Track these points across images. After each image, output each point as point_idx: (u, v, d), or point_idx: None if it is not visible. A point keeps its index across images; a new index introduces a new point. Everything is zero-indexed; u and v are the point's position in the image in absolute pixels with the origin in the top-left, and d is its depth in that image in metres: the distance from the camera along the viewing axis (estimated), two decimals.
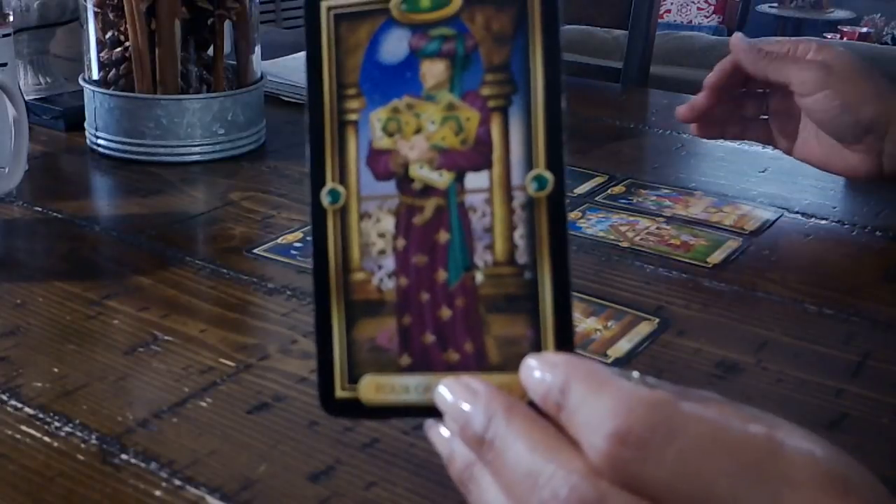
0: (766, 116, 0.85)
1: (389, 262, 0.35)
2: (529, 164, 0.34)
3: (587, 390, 0.31)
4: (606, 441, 0.30)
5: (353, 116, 0.36)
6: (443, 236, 0.35)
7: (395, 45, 0.35)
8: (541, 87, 0.34)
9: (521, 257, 0.34)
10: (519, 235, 0.34)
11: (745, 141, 0.88)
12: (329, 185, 0.36)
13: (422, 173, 0.35)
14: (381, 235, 0.36)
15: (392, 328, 0.35)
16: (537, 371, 0.33)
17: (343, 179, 0.36)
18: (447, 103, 0.35)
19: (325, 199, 0.36)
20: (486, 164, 0.34)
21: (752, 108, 0.85)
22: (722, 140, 0.89)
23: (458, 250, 0.35)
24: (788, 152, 0.84)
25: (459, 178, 0.35)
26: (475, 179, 0.34)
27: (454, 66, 0.35)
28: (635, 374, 0.33)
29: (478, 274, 0.35)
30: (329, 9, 0.36)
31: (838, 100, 0.76)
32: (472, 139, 0.35)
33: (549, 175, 0.33)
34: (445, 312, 0.35)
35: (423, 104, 0.35)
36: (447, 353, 0.35)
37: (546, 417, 0.33)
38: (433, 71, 0.35)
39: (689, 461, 0.30)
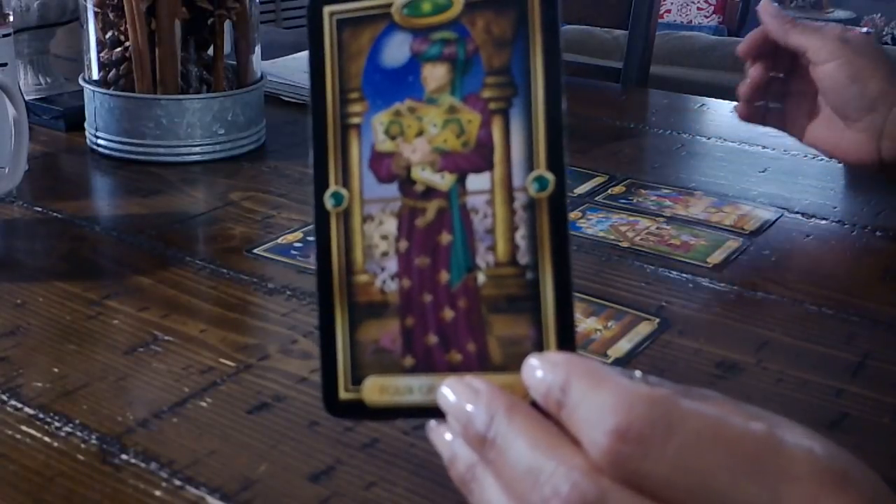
0: (780, 106, 0.87)
1: (392, 264, 0.36)
2: (530, 165, 0.34)
3: (587, 388, 0.31)
4: (607, 437, 0.30)
5: (355, 120, 0.36)
6: (445, 238, 0.35)
7: (396, 50, 0.36)
8: (541, 89, 0.34)
9: (523, 258, 0.34)
10: (520, 236, 0.34)
11: (765, 128, 0.89)
12: (332, 188, 0.36)
13: (424, 175, 0.35)
14: (384, 237, 0.36)
15: (395, 330, 0.36)
16: (539, 370, 0.33)
17: (346, 182, 0.36)
18: (448, 106, 0.35)
19: (329, 202, 0.36)
20: (487, 165, 0.35)
21: (773, 93, 0.87)
22: (723, 141, 0.89)
23: (461, 251, 0.35)
24: (800, 138, 0.86)
25: (461, 180, 0.35)
26: (477, 181, 0.35)
27: (455, 69, 0.35)
28: (637, 373, 0.33)
29: (480, 275, 0.35)
30: (332, 14, 0.36)
31: (849, 70, 0.79)
32: (473, 141, 0.35)
33: (549, 176, 0.34)
34: (448, 313, 0.35)
35: (425, 107, 0.35)
36: (450, 354, 0.35)
37: (548, 416, 0.33)
38: (434, 74, 0.35)
39: (689, 456, 0.30)
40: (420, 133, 0.35)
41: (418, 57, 0.35)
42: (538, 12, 0.34)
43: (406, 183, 0.36)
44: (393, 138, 0.36)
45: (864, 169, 0.84)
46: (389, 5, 0.36)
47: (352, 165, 0.36)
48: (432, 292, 0.35)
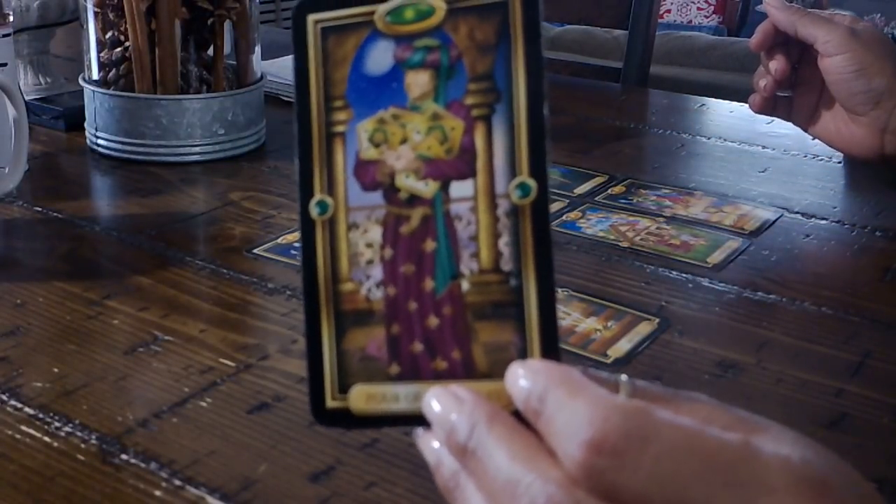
0: (789, 94, 0.87)
1: (377, 272, 0.36)
2: (513, 171, 0.34)
3: (564, 398, 0.31)
4: (581, 450, 0.30)
5: (340, 128, 0.36)
6: (429, 245, 0.35)
7: (380, 57, 0.36)
8: (523, 96, 0.34)
9: (506, 264, 0.34)
10: (504, 243, 0.34)
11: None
12: (317, 196, 0.36)
13: (408, 183, 0.35)
14: (369, 245, 0.36)
15: (381, 337, 0.35)
16: (521, 378, 0.33)
17: (331, 190, 0.36)
18: (432, 113, 0.35)
19: (314, 211, 0.36)
20: (470, 172, 0.34)
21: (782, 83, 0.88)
22: (723, 141, 0.89)
23: (445, 259, 0.35)
24: (805, 128, 0.87)
25: (445, 188, 0.35)
26: (460, 188, 0.34)
27: (438, 76, 0.35)
28: (623, 377, 0.33)
29: (464, 282, 0.35)
30: (316, 22, 0.36)
31: (856, 64, 0.79)
32: (456, 148, 0.35)
33: (532, 182, 0.33)
34: (433, 321, 0.35)
35: (409, 114, 0.35)
36: (435, 362, 0.35)
37: (529, 426, 0.33)
38: (418, 81, 0.35)
39: (665, 468, 0.30)
40: (404, 140, 0.35)
41: (402, 64, 0.35)
42: (520, 18, 0.34)
43: (390, 190, 0.35)
44: (377, 146, 0.35)
45: (867, 162, 0.84)
46: (372, 13, 0.36)
47: (337, 173, 0.36)
48: (417, 300, 0.35)
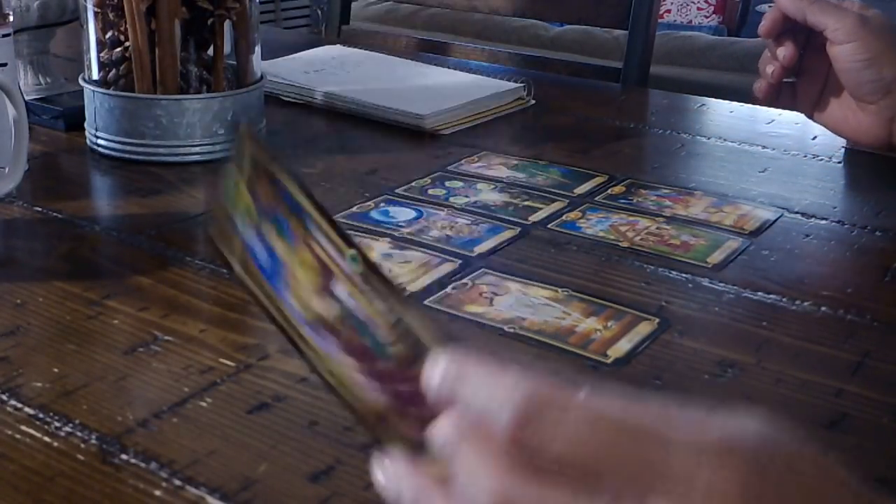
0: (793, 80, 0.87)
1: (373, 386, 0.38)
2: (342, 254, 0.38)
3: (481, 379, 0.33)
4: (511, 416, 0.32)
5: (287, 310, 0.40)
6: (360, 339, 0.38)
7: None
8: (310, 205, 0.38)
9: (390, 315, 0.37)
10: (377, 302, 0.38)
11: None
12: (319, 364, 0.39)
13: (319, 309, 0.39)
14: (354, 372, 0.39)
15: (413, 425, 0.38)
16: (436, 368, 0.35)
17: (318, 355, 0.40)
18: (292, 255, 0.40)
19: (326, 376, 0.39)
20: (332, 274, 0.39)
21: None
22: (723, 141, 0.89)
23: (374, 341, 0.38)
24: (810, 115, 0.87)
25: (333, 296, 0.39)
26: (339, 289, 0.39)
27: (279, 229, 0.40)
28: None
29: (392, 347, 0.38)
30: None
31: (866, 53, 0.79)
32: (317, 265, 0.39)
33: (352, 251, 0.38)
34: (410, 386, 0.37)
35: (293, 264, 0.40)
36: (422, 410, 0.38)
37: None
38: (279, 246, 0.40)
39: (581, 429, 0.31)
40: (305, 286, 0.39)
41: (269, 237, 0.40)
42: (251, 158, 0.39)
43: (320, 321, 0.39)
44: (300, 299, 0.39)
45: (875, 150, 0.84)
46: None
47: (309, 340, 0.39)
48: (391, 381, 0.38)
